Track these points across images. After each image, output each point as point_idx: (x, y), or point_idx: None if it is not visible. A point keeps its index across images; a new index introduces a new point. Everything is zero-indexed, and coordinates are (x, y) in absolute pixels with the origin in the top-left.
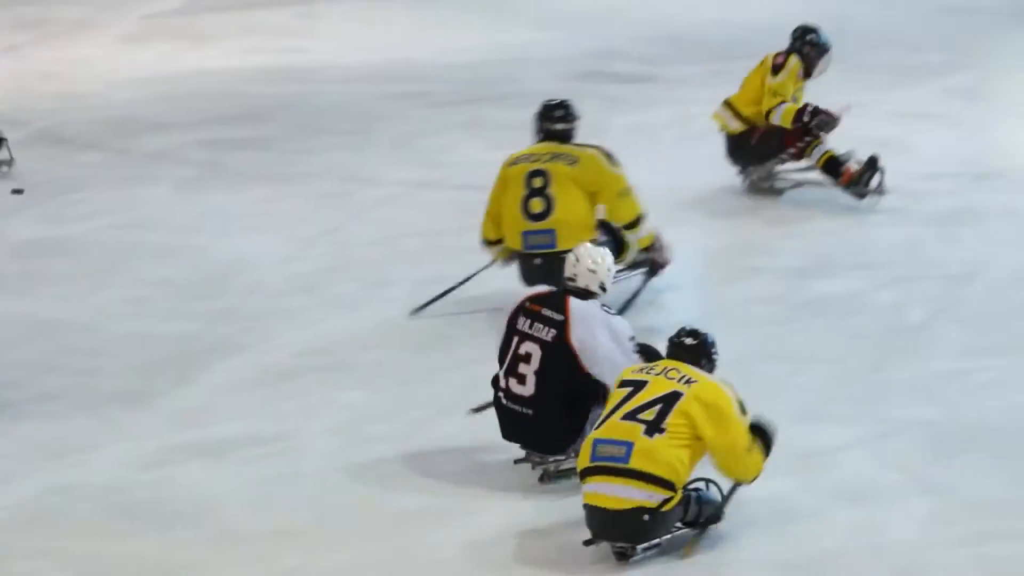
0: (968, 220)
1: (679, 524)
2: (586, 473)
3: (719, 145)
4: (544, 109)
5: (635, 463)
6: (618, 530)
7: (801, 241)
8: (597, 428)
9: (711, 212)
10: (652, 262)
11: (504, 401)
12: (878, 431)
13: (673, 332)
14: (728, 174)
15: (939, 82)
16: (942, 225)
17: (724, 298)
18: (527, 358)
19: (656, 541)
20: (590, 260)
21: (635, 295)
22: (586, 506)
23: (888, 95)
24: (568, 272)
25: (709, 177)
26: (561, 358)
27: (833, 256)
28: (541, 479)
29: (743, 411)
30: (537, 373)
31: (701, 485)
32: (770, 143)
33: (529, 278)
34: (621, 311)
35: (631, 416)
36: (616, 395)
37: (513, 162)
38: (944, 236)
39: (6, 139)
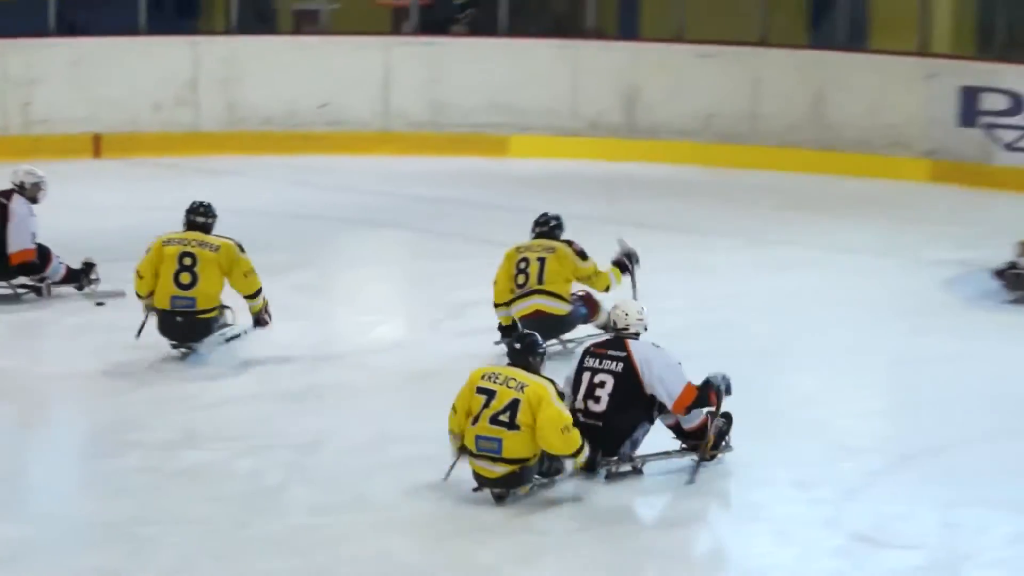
0: (313, 396)
1: (537, 476)
2: (472, 454)
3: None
4: (191, 206)
5: (506, 453)
6: (497, 486)
7: (172, 417)
8: (473, 425)
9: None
10: (257, 320)
11: (581, 419)
12: None
13: None
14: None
15: (287, 279)
16: (292, 401)
17: (104, 468)
18: (602, 384)
19: (524, 489)
20: (636, 312)
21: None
22: (474, 472)
23: None
24: (621, 323)
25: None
26: (629, 382)
27: (199, 430)
28: (607, 477)
29: (562, 397)
30: (611, 395)
31: None
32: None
33: (165, 331)
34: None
35: (495, 420)
36: (476, 400)
37: (167, 242)
38: (293, 410)
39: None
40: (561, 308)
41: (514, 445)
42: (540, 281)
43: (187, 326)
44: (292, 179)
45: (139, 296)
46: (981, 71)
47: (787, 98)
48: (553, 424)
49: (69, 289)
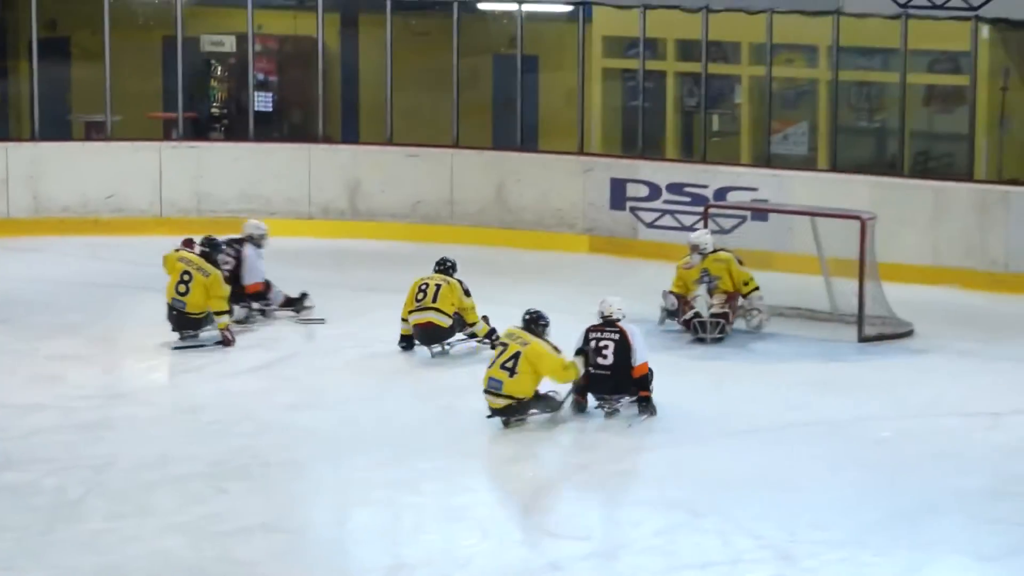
0: (106, 426)
1: (534, 410)
2: (484, 391)
3: None
4: (203, 240)
5: (504, 391)
6: (499, 414)
7: None
8: (489, 368)
9: None
10: (223, 337)
11: (592, 370)
12: None
13: None
14: None
15: (82, 334)
16: (89, 430)
17: None
18: (606, 347)
19: (521, 417)
20: (618, 306)
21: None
22: (488, 406)
23: (44, 344)
24: (607, 312)
25: None
26: (623, 347)
27: (14, 455)
28: (608, 415)
29: (557, 351)
30: (613, 353)
31: (552, 393)
32: None
33: (168, 318)
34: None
35: (502, 367)
36: (496, 351)
37: (180, 258)
38: (90, 438)
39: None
40: (445, 321)
41: (510, 386)
42: (434, 300)
43: (180, 318)
44: (85, 255)
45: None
46: (626, 166)
47: (477, 188)
48: (553, 367)
49: None
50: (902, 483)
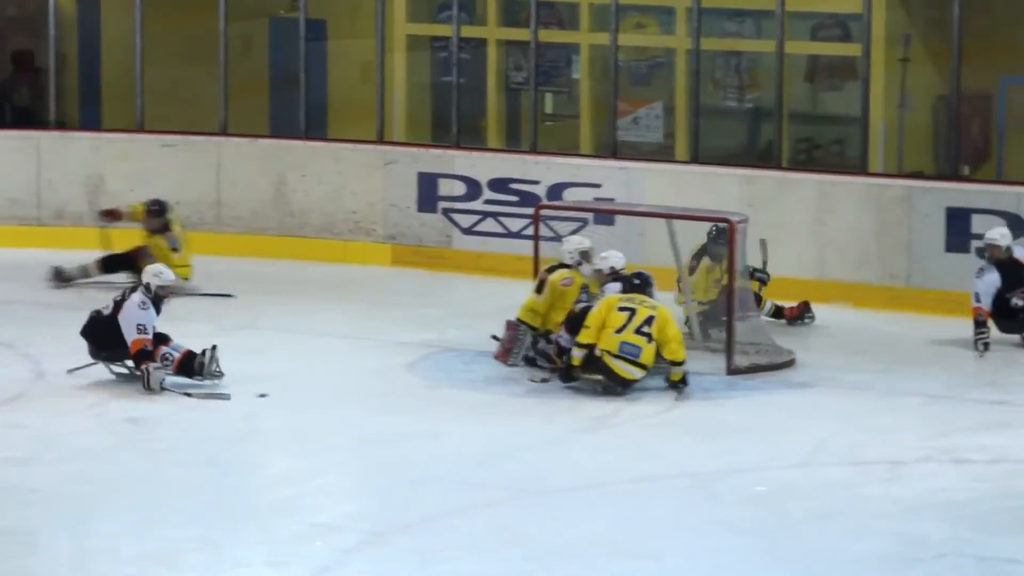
0: None
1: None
2: (614, 355)
3: None
4: None
5: (642, 359)
6: (626, 385)
7: None
8: (618, 333)
9: None
10: None
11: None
12: None
13: None
14: None
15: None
16: None
17: None
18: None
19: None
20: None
21: None
22: (610, 371)
23: None
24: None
25: None
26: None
27: None
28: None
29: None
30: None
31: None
32: None
33: None
34: None
35: (638, 331)
36: (618, 317)
37: None
38: None
39: None
40: None
41: (647, 355)
42: None
43: None
44: None
45: None
46: (437, 158)
47: (250, 186)
48: (679, 339)
49: None
50: (783, 550)
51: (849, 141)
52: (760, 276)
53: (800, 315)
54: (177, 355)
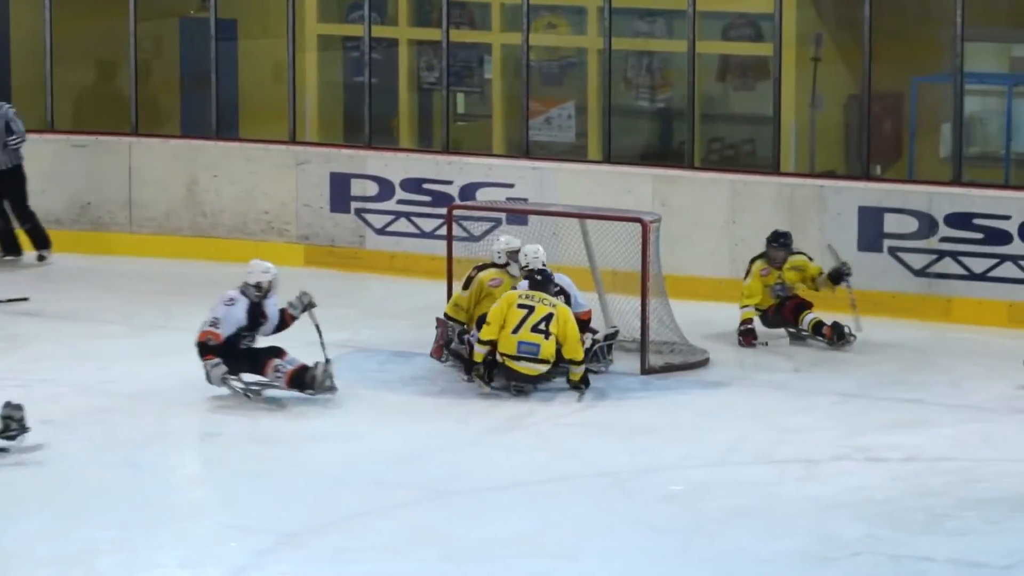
0: None
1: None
2: (513, 357)
3: None
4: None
5: (542, 355)
6: (532, 382)
7: None
8: (514, 333)
9: None
10: None
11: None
12: None
13: None
14: None
15: None
16: None
17: None
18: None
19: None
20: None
21: None
22: (513, 372)
23: None
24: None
25: None
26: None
27: None
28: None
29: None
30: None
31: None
32: None
33: None
34: None
35: (535, 329)
36: (516, 314)
37: None
38: None
39: None
40: None
41: (547, 350)
42: None
43: None
44: None
45: None
46: (349, 158)
47: (162, 186)
48: (578, 337)
49: None
50: (699, 548)
51: (761, 140)
52: (847, 282)
53: (841, 335)
54: (290, 368)
